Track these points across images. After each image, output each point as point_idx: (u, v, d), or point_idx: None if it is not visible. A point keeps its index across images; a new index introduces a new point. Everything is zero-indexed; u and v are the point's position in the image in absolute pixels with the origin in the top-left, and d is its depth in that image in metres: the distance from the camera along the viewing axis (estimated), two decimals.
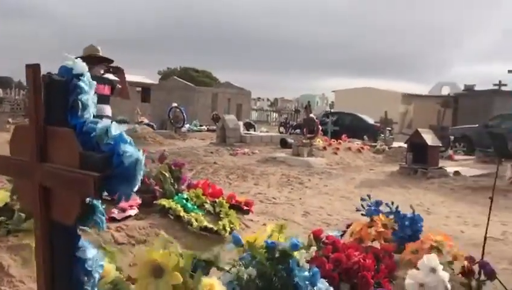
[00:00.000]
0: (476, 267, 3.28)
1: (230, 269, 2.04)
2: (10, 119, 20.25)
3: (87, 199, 1.39)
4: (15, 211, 3.48)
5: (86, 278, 1.49)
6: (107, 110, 4.85)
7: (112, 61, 5.09)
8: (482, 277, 3.26)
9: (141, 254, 1.62)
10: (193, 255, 1.84)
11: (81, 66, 1.46)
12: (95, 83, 1.50)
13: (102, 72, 4.79)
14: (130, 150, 1.34)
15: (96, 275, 1.52)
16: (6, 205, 3.52)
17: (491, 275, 3.27)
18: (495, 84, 27.22)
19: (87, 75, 1.48)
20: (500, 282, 3.69)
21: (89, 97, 1.46)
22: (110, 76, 5.06)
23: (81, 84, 1.44)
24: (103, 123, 1.39)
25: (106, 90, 4.94)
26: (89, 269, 1.48)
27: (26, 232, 3.42)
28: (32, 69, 1.42)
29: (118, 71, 4.94)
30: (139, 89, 31.60)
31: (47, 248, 1.45)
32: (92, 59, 4.62)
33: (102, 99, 4.53)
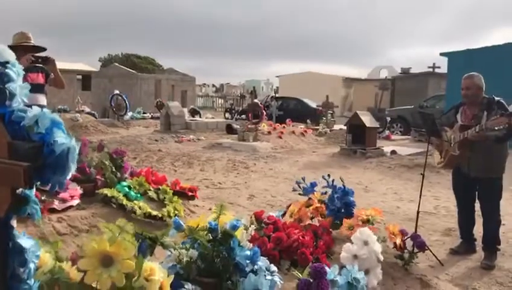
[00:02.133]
0: (408, 241, 3.51)
1: (171, 253, 2.08)
2: None
3: (19, 190, 1.37)
4: None
5: (21, 270, 1.48)
6: (41, 99, 4.65)
7: (45, 49, 4.89)
8: (415, 250, 3.49)
9: (89, 244, 1.61)
10: (138, 233, 1.86)
11: (8, 53, 1.43)
12: (22, 71, 1.47)
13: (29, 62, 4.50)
14: (62, 138, 1.34)
15: (32, 266, 1.50)
16: None
17: (422, 246, 3.51)
18: (429, 67, 28.51)
19: (15, 62, 1.45)
20: (432, 252, 3.96)
21: (17, 85, 1.43)
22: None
23: (8, 71, 1.40)
24: (33, 112, 1.37)
25: (40, 78, 4.75)
26: (26, 259, 1.47)
27: None
28: None
29: (48, 62, 4.71)
30: (79, 76, 30.47)
31: None
32: (23, 48, 4.43)
33: (35, 88, 4.35)
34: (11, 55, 1.45)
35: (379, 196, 6.77)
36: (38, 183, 1.34)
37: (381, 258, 2.81)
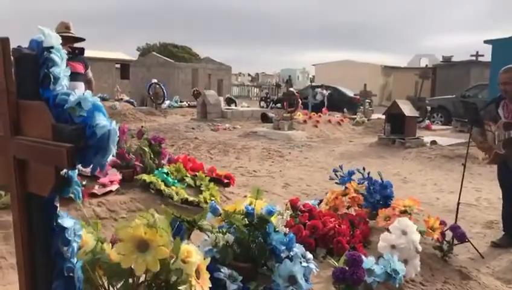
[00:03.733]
0: (448, 232, 3.42)
1: (208, 236, 2.11)
2: None
3: (63, 171, 1.41)
4: None
5: (64, 248, 1.53)
6: (80, 87, 4.79)
7: (84, 39, 5.02)
8: (455, 241, 3.40)
9: (126, 230, 1.65)
10: (176, 216, 1.89)
11: (52, 39, 1.46)
12: (65, 55, 1.50)
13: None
14: (103, 121, 1.36)
15: (75, 245, 1.55)
16: None
17: (462, 238, 3.41)
18: (472, 55, 27.55)
19: (59, 47, 1.48)
20: (472, 244, 3.86)
21: (61, 70, 1.47)
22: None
23: (53, 56, 1.44)
24: (75, 95, 1.40)
25: (79, 68, 4.88)
26: (68, 238, 1.51)
27: (6, 209, 3.43)
28: (2, 43, 1.42)
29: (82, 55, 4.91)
30: (118, 65, 31.08)
31: (25, 219, 1.48)
32: (63, 38, 4.55)
33: (75, 76, 4.48)
34: (56, 41, 1.48)
35: (418, 187, 6.63)
36: (80, 164, 1.37)
37: (420, 248, 2.76)
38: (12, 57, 1.44)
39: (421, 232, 2.98)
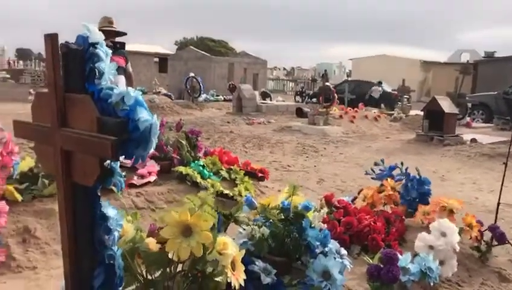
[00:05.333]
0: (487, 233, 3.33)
1: (244, 228, 2.14)
2: (31, 90, 20.54)
3: (106, 162, 1.47)
4: (39, 177, 3.62)
5: (106, 237, 1.59)
6: (122, 80, 4.92)
7: (126, 34, 5.14)
8: (494, 242, 3.31)
9: (172, 214, 1.69)
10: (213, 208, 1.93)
11: (97, 35, 1.51)
12: (110, 51, 1.55)
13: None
14: (145, 115, 1.41)
15: (116, 234, 1.61)
16: (31, 172, 3.66)
17: (502, 239, 3.32)
18: None
19: (103, 43, 1.54)
20: None
21: (105, 65, 1.52)
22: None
23: (98, 52, 1.49)
24: (119, 90, 1.45)
25: (121, 61, 5.01)
26: (110, 227, 1.57)
27: (51, 197, 3.58)
28: (51, 39, 1.48)
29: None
30: (156, 59, 31.57)
31: (69, 208, 1.54)
32: (106, 32, 4.68)
33: (117, 70, 4.61)
34: (100, 36, 1.53)
35: (456, 185, 6.47)
36: (123, 156, 1.42)
37: (458, 248, 2.71)
38: (60, 52, 1.50)
39: (459, 231, 2.92)
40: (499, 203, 4.08)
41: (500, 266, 3.23)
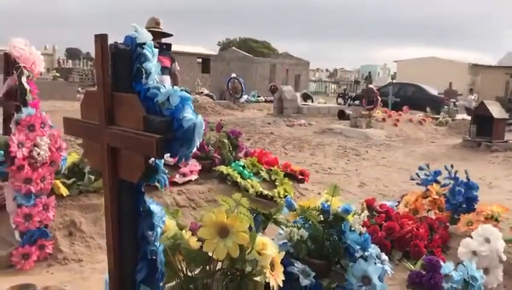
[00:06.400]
0: None
1: (283, 229, 2.14)
2: (80, 89, 21.29)
3: (151, 159, 1.50)
4: (85, 173, 3.75)
5: (149, 232, 1.63)
6: (167, 80, 5.02)
7: (172, 35, 5.25)
8: None
9: (210, 215, 1.72)
10: (252, 208, 1.95)
11: (145, 35, 1.55)
12: (157, 51, 1.59)
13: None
14: (190, 115, 1.43)
15: (159, 230, 1.65)
16: (77, 167, 3.80)
17: None
18: None
19: (151, 44, 1.57)
20: None
21: (152, 65, 1.56)
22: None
23: (145, 52, 1.53)
24: (165, 89, 1.49)
25: (166, 62, 5.11)
26: (154, 223, 1.61)
27: (96, 193, 3.70)
28: (100, 39, 1.54)
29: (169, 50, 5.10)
30: (199, 60, 32.04)
31: (115, 203, 1.59)
32: (153, 33, 4.80)
33: (162, 70, 4.70)
34: (147, 37, 1.57)
35: (504, 193, 6.22)
36: (168, 154, 1.45)
37: (504, 258, 2.60)
38: (109, 52, 1.55)
39: (506, 241, 2.81)
40: None
41: None
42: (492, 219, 2.96)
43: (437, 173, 3.61)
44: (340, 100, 25.00)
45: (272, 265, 1.81)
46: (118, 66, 1.56)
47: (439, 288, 2.25)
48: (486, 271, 2.55)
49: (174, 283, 1.87)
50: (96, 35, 1.55)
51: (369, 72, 20.24)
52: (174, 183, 4.20)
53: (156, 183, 1.61)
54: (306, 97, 21.27)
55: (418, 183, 3.73)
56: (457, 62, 34.58)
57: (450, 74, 26.43)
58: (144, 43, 1.56)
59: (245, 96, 20.23)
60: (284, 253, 1.89)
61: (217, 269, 1.81)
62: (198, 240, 1.84)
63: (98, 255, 3.28)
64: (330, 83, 40.31)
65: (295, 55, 29.68)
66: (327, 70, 56.57)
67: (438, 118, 15.16)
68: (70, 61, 33.51)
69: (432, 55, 37.62)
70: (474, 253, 2.56)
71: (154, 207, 1.62)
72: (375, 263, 2.11)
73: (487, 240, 2.56)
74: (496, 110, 10.19)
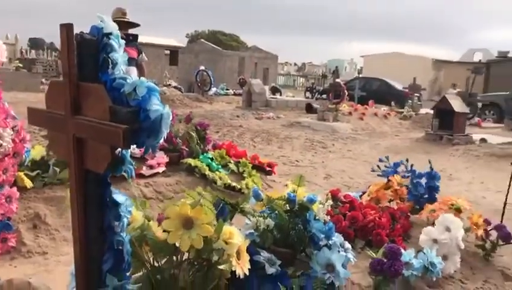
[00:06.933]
0: (493, 232, 3.34)
1: (250, 219, 2.17)
2: (44, 80, 20.71)
3: (117, 150, 1.50)
4: (50, 165, 3.69)
5: (116, 223, 1.63)
6: (134, 71, 4.97)
7: (139, 25, 5.18)
8: (499, 241, 3.32)
9: (174, 208, 1.74)
10: (220, 198, 1.98)
11: (111, 26, 1.55)
12: (123, 42, 1.59)
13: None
14: (156, 105, 1.44)
15: (125, 220, 1.65)
16: (42, 159, 3.73)
17: (507, 238, 3.32)
18: None
19: (117, 34, 1.57)
20: None
21: (119, 55, 1.55)
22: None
23: (111, 42, 1.53)
24: (132, 80, 1.49)
25: (133, 53, 5.06)
26: (120, 213, 1.62)
27: (61, 185, 3.64)
28: (66, 28, 1.52)
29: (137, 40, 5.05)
30: (167, 52, 31.66)
31: (81, 194, 1.59)
32: (118, 23, 4.73)
33: (129, 61, 4.65)
34: (113, 27, 1.57)
35: (464, 184, 6.47)
36: (135, 145, 1.46)
37: (462, 245, 2.72)
38: (74, 42, 1.54)
39: (465, 230, 2.94)
40: (505, 203, 4.08)
41: (504, 265, 3.24)
42: (455, 209, 3.09)
43: (396, 165, 3.73)
44: (308, 94, 25.25)
45: (238, 254, 1.84)
46: (84, 56, 1.55)
47: (400, 275, 2.33)
48: (445, 258, 2.66)
49: (140, 273, 1.88)
50: (61, 25, 1.54)
51: (336, 67, 20.50)
52: (140, 176, 4.18)
53: (124, 173, 1.62)
54: (274, 90, 21.39)
55: (379, 175, 3.84)
56: (422, 57, 35.41)
57: (415, 69, 27.05)
58: (110, 33, 1.56)
59: (214, 89, 20.16)
60: (249, 241, 1.93)
61: (183, 259, 1.83)
62: (164, 231, 1.86)
63: (63, 248, 3.24)
64: (298, 77, 40.65)
65: (264, 49, 29.73)
66: (295, 64, 56.92)
67: (402, 112, 15.53)
68: (33, 51, 32.47)
69: (398, 50, 38.40)
70: (435, 241, 2.66)
71: (120, 197, 1.62)
72: (339, 251, 2.17)
73: (447, 229, 2.67)
74: (457, 105, 10.53)
